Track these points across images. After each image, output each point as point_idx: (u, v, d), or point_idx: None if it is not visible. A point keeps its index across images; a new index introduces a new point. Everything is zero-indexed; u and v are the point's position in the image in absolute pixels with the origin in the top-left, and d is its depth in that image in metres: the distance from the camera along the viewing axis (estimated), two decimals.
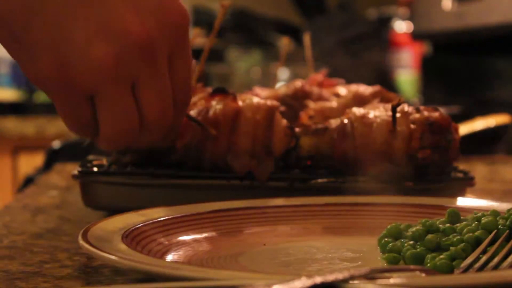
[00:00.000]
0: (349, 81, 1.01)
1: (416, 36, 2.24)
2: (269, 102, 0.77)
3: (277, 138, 0.76)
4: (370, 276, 0.43)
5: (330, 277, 0.41)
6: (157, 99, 0.62)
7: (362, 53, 2.51)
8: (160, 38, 0.60)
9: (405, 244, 0.56)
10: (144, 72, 0.61)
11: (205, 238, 0.63)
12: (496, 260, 0.51)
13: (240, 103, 0.76)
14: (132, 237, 0.58)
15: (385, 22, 2.74)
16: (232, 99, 0.76)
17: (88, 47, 0.58)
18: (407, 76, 2.76)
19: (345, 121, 0.77)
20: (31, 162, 2.37)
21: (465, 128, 1.33)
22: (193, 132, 0.75)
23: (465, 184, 0.77)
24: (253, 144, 0.75)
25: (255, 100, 0.77)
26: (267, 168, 0.75)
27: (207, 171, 0.76)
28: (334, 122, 0.78)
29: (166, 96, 0.62)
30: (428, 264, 0.52)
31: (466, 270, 0.50)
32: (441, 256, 0.52)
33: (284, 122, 0.77)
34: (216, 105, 0.76)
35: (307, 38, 1.08)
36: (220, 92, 0.77)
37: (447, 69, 2.09)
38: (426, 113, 0.76)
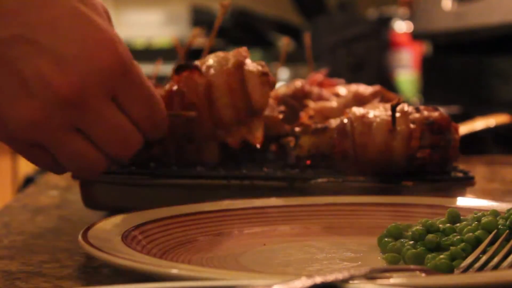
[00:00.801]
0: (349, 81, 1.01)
1: (416, 36, 2.24)
2: (233, 59, 0.75)
3: (256, 93, 0.75)
4: (370, 276, 0.43)
5: (330, 277, 0.41)
6: (110, 136, 0.61)
7: (362, 53, 2.51)
8: (88, 85, 0.59)
9: (405, 244, 0.56)
10: (81, 119, 0.60)
11: (205, 238, 0.63)
12: (496, 260, 0.51)
13: (210, 71, 0.75)
14: (132, 237, 0.58)
15: (385, 22, 2.74)
16: (198, 73, 0.75)
17: (14, 105, 0.58)
18: (407, 76, 2.77)
19: (345, 120, 0.77)
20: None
21: (465, 128, 1.33)
22: (175, 126, 0.74)
23: (465, 184, 0.77)
24: (236, 111, 0.74)
25: (220, 59, 0.75)
26: (259, 128, 0.75)
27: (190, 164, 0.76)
28: (334, 122, 0.78)
29: (121, 130, 0.62)
30: (428, 264, 0.52)
31: (466, 270, 0.50)
32: (441, 256, 0.52)
33: (256, 70, 0.75)
34: (187, 86, 0.75)
35: (307, 38, 1.08)
36: (185, 68, 0.75)
37: (447, 69, 2.09)
38: (426, 113, 0.76)
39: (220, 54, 0.76)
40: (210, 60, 0.76)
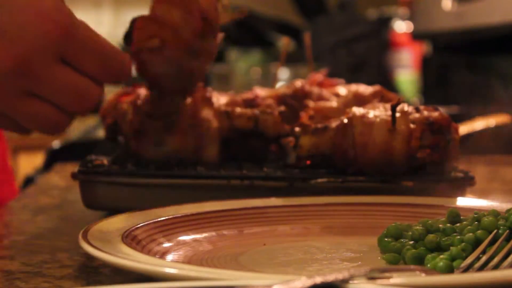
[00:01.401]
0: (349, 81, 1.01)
1: (416, 36, 2.24)
2: None
3: (209, 8, 0.75)
4: (370, 276, 0.43)
5: (330, 277, 0.41)
6: (65, 94, 0.64)
7: (362, 53, 2.51)
8: (32, 54, 0.61)
9: (405, 244, 0.56)
10: (32, 85, 0.63)
11: (205, 238, 0.63)
12: (496, 260, 0.51)
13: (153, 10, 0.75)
14: (132, 237, 0.58)
15: (385, 22, 2.74)
16: (142, 19, 0.75)
17: None
18: (407, 76, 2.77)
19: (345, 120, 0.77)
20: (31, 162, 2.36)
21: (465, 128, 1.33)
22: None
23: (465, 184, 0.77)
24: (192, 16, 0.74)
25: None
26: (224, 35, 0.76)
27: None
28: (334, 122, 0.78)
29: (75, 87, 0.64)
30: (428, 264, 0.52)
31: (466, 270, 0.50)
32: (441, 256, 0.52)
33: None
34: (142, 40, 0.74)
35: (307, 38, 1.08)
36: (130, 34, 0.75)
37: (447, 69, 2.09)
38: (426, 113, 0.76)
39: None
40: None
